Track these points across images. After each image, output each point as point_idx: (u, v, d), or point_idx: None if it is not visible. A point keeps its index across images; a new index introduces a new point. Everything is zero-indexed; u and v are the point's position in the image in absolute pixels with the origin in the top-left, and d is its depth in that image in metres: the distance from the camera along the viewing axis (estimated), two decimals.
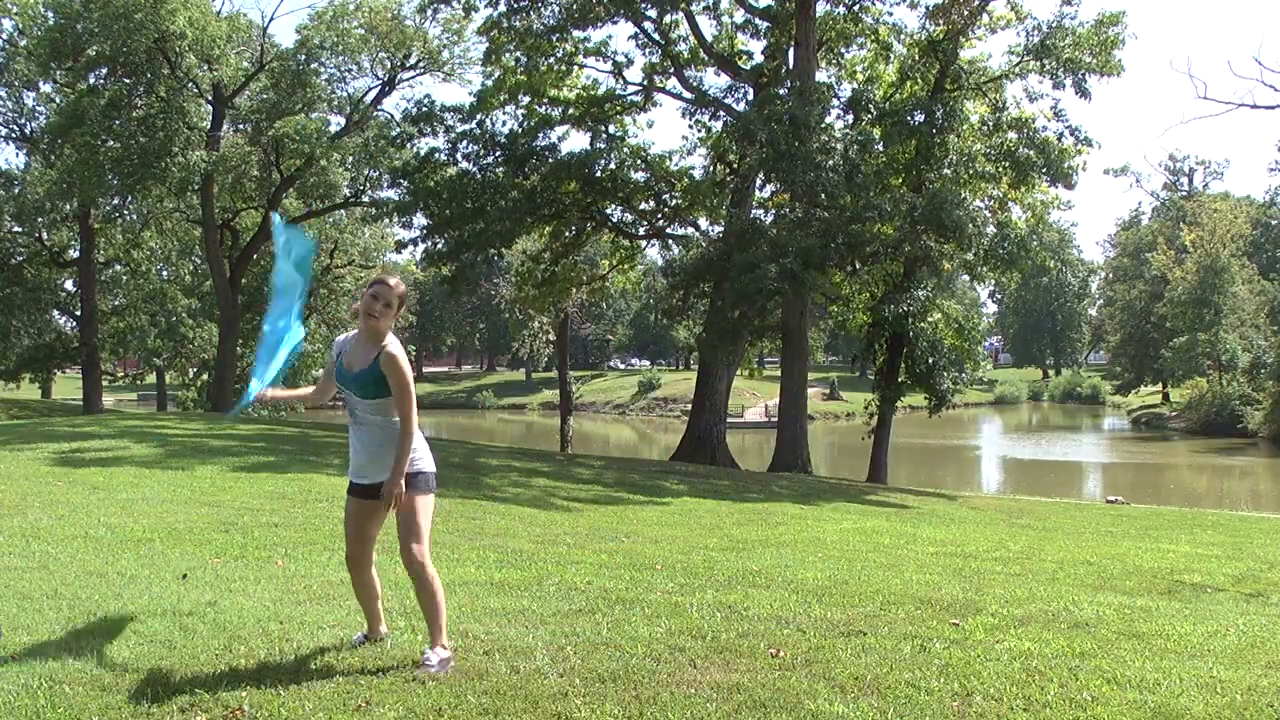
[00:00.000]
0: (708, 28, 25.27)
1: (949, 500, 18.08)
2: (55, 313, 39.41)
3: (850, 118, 22.50)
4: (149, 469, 12.07)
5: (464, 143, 23.96)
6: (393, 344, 4.42)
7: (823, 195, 19.64)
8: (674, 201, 25.28)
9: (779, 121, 19.55)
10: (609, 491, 14.58)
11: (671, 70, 24.92)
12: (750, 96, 24.06)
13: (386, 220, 27.34)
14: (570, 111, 24.58)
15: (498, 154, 23.71)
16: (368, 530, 4.61)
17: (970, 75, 23.00)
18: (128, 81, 27.56)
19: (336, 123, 31.42)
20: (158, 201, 31.87)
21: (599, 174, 23.60)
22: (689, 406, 26.21)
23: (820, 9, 23.30)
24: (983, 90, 23.23)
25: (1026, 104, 23.26)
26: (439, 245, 24.13)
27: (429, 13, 27.68)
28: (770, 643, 4.89)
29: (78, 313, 36.85)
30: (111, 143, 27.31)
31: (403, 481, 4.35)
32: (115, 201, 32.73)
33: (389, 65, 30.92)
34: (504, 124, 24.74)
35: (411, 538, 4.39)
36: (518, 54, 24.15)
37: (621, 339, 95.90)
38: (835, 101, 22.61)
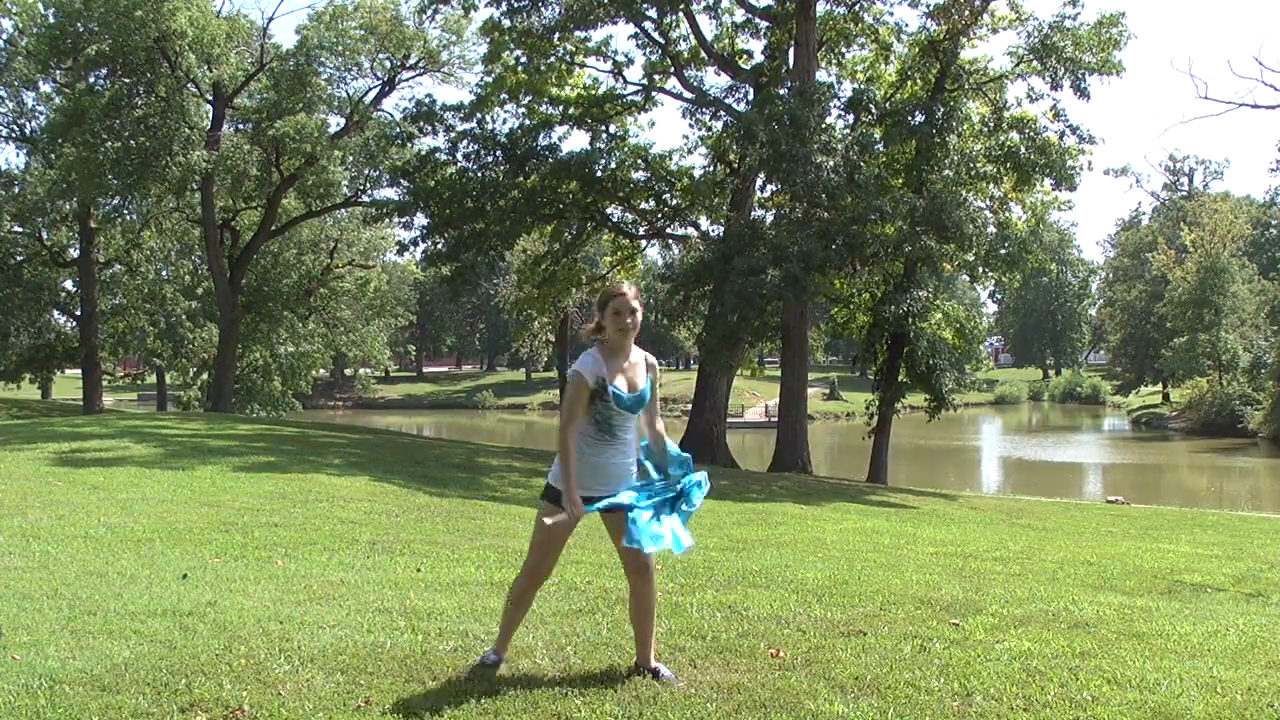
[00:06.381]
0: (708, 27, 25.27)
1: (949, 500, 18.08)
2: (55, 313, 39.32)
3: (851, 118, 22.48)
4: (149, 469, 12.07)
5: (464, 142, 23.94)
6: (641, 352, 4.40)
7: (823, 196, 19.61)
8: (674, 201, 25.28)
9: (779, 121, 19.51)
10: None
11: (672, 70, 24.90)
12: (750, 96, 24.03)
13: (387, 221, 27.32)
14: (570, 111, 24.54)
15: (498, 153, 23.69)
16: None
17: (971, 75, 22.94)
18: (128, 81, 27.50)
19: (336, 122, 31.42)
20: (157, 201, 31.83)
21: (599, 174, 23.59)
22: (689, 406, 26.19)
23: (820, 9, 23.27)
24: (983, 90, 23.18)
25: (1027, 104, 23.28)
26: (439, 245, 24.15)
27: (429, 13, 27.69)
28: (770, 643, 4.89)
29: (78, 313, 36.80)
30: (111, 142, 27.25)
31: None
32: (115, 201, 32.60)
33: (389, 65, 30.92)
34: (504, 123, 24.78)
35: None
36: (518, 54, 24.16)
37: None
38: (835, 102, 22.56)
